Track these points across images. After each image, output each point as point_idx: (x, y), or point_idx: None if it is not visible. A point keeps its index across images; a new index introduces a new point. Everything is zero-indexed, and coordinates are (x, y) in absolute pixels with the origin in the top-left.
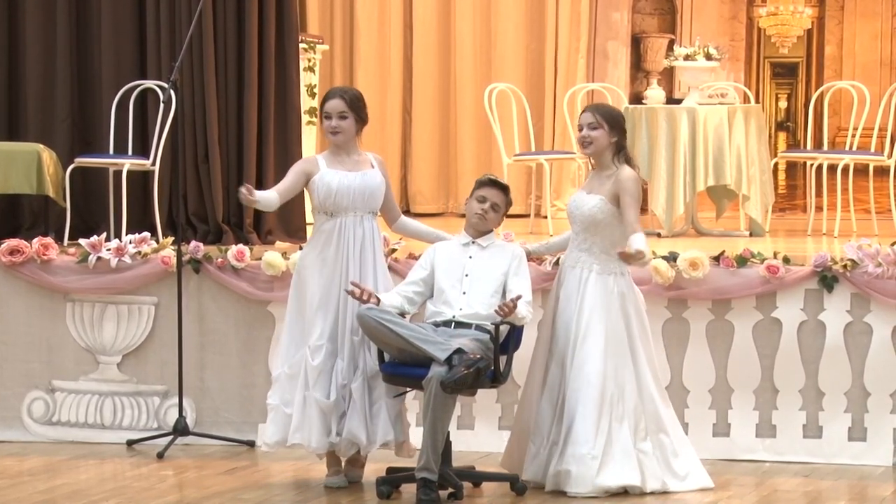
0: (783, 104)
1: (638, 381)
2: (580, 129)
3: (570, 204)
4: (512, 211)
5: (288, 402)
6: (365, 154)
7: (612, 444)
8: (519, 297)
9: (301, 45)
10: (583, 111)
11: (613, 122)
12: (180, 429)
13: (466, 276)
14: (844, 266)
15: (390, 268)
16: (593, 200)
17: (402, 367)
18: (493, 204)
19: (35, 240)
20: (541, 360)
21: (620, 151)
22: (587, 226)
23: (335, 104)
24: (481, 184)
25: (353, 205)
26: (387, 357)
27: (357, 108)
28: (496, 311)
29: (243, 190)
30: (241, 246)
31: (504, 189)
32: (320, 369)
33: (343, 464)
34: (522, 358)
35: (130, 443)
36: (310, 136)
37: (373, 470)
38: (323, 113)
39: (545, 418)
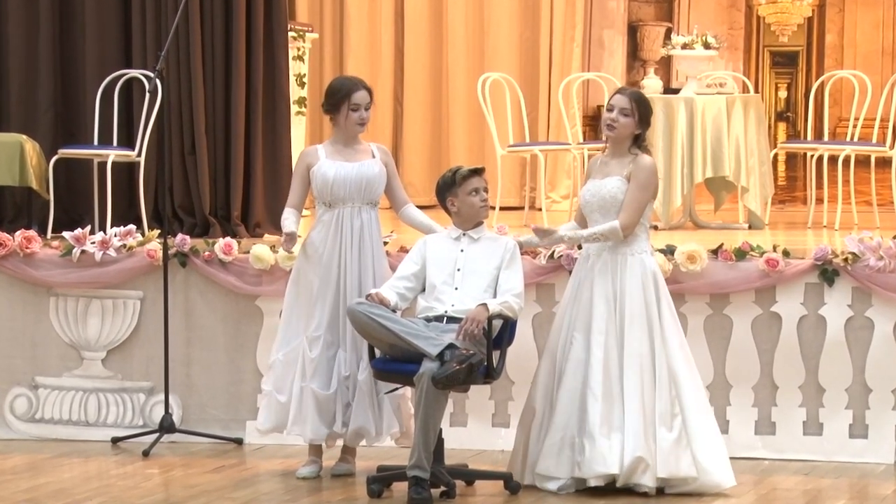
0: (783, 94)
1: (670, 361)
2: (610, 110)
3: (584, 195)
4: (506, 203)
5: (280, 389)
6: (365, 143)
7: (667, 435)
8: (478, 324)
9: (290, 34)
10: (618, 92)
11: (645, 114)
12: (166, 426)
13: (458, 270)
14: (845, 259)
15: None
16: (613, 181)
17: (393, 362)
18: (485, 189)
19: (18, 233)
20: (554, 354)
21: (638, 142)
22: (609, 208)
23: (365, 96)
24: (465, 177)
25: (350, 196)
26: (377, 353)
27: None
28: (459, 335)
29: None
30: (228, 239)
31: (482, 171)
32: (318, 361)
33: (321, 454)
34: (516, 353)
35: (115, 440)
36: (299, 126)
37: (364, 468)
38: (350, 105)
39: (569, 410)
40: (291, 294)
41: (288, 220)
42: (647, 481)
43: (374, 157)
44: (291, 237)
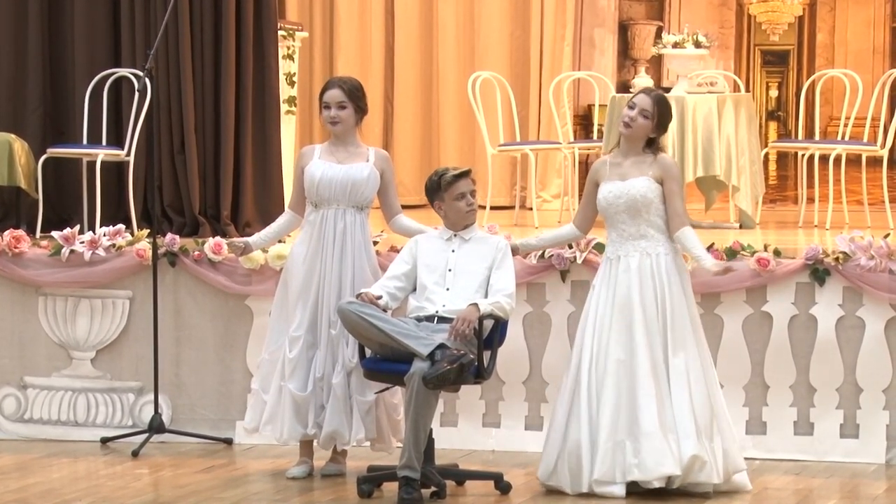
0: (774, 93)
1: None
2: (631, 108)
3: (605, 197)
4: (497, 203)
5: (266, 389)
6: (365, 147)
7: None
8: (469, 324)
9: (280, 33)
10: (643, 92)
11: (664, 119)
12: (156, 426)
13: (450, 271)
14: (836, 259)
15: None
16: (641, 181)
17: (384, 362)
18: (471, 192)
19: (6, 232)
20: (590, 358)
21: (652, 144)
22: (639, 209)
23: (334, 94)
24: (449, 182)
25: (334, 197)
26: (368, 352)
27: (356, 97)
28: (450, 335)
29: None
30: (218, 238)
31: (469, 173)
32: (296, 361)
33: (312, 455)
34: (507, 353)
35: (104, 440)
36: (288, 125)
37: (354, 468)
38: (322, 103)
39: (655, 412)
40: (279, 293)
41: (265, 231)
42: (706, 478)
43: (368, 160)
44: (238, 247)
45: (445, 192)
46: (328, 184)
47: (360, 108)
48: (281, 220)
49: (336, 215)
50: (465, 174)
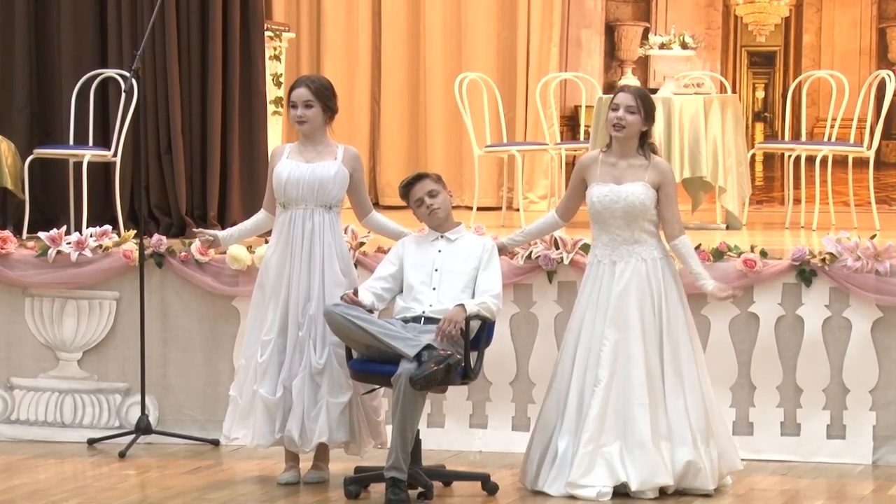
0: (760, 94)
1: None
2: (615, 109)
3: (600, 200)
4: (484, 204)
5: (242, 394)
6: (334, 145)
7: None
8: (456, 324)
9: (267, 33)
10: (620, 91)
11: (650, 110)
12: (142, 427)
13: (436, 270)
14: (823, 260)
15: (359, 262)
16: (638, 188)
17: (371, 363)
18: (429, 193)
19: None
20: (584, 361)
21: (646, 141)
22: (636, 215)
23: (301, 93)
24: (403, 193)
25: (301, 197)
26: (355, 354)
27: (324, 97)
28: (438, 335)
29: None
30: None
31: (425, 175)
32: (266, 365)
33: (300, 460)
34: (493, 354)
35: (91, 442)
36: (276, 126)
37: (342, 469)
38: (289, 102)
39: (649, 422)
40: (256, 297)
41: (237, 227)
42: (701, 485)
43: (336, 159)
44: (207, 240)
45: (409, 201)
46: (295, 184)
47: (329, 108)
48: (254, 219)
49: (304, 216)
50: (416, 180)
